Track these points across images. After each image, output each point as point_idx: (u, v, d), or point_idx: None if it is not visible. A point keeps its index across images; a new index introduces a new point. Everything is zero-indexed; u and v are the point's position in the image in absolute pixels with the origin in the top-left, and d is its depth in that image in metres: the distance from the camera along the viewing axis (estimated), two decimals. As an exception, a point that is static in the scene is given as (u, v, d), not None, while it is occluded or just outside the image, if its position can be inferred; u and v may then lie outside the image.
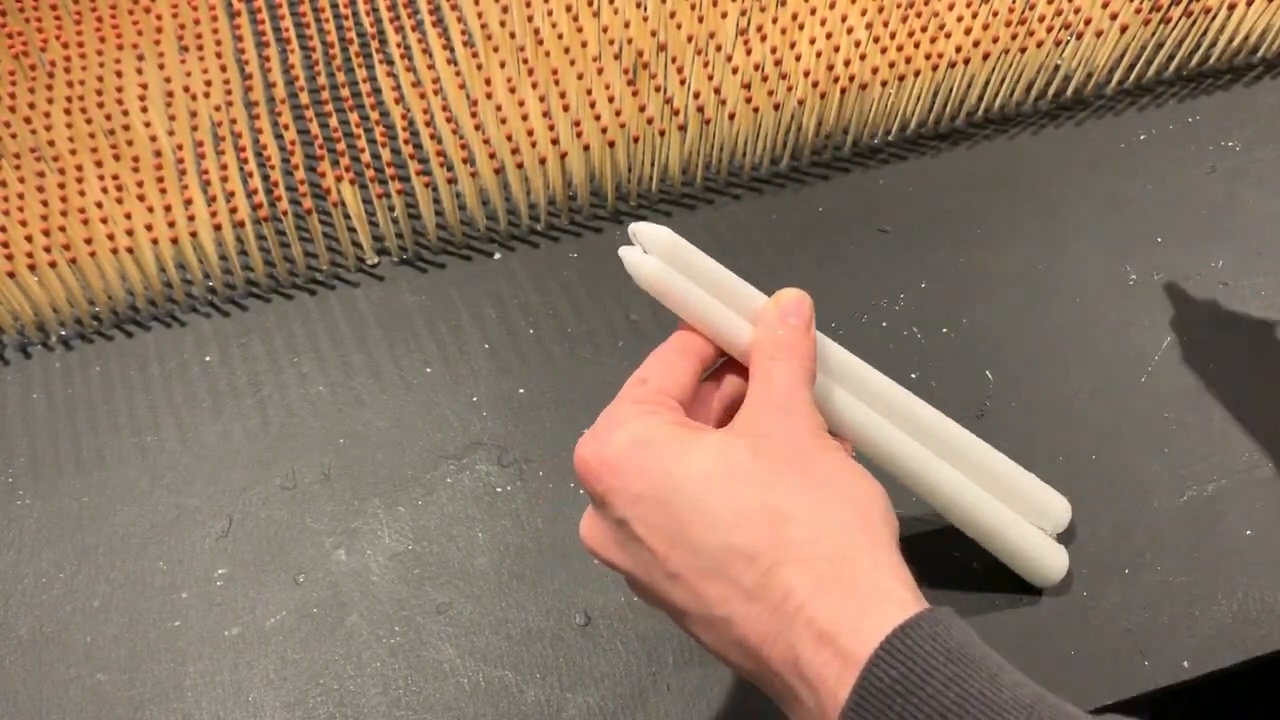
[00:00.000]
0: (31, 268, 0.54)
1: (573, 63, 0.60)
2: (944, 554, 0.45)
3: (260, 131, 0.61)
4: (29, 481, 0.51)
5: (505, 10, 0.63)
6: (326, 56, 0.66)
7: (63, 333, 0.56)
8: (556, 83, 0.60)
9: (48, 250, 0.54)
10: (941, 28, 0.62)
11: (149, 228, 0.54)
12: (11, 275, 0.53)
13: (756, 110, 0.59)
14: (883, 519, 0.34)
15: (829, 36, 0.61)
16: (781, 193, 0.61)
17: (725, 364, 0.39)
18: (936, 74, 0.61)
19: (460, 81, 0.62)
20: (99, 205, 0.56)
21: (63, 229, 0.55)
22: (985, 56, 0.61)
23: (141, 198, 0.56)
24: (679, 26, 0.61)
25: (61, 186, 0.57)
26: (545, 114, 0.59)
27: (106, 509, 0.50)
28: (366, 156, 0.58)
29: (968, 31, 0.61)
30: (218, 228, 0.56)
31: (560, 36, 0.62)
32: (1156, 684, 0.43)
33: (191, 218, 0.56)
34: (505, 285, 0.57)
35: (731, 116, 0.59)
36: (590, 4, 0.64)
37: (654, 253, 0.38)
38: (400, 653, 0.45)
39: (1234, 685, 0.45)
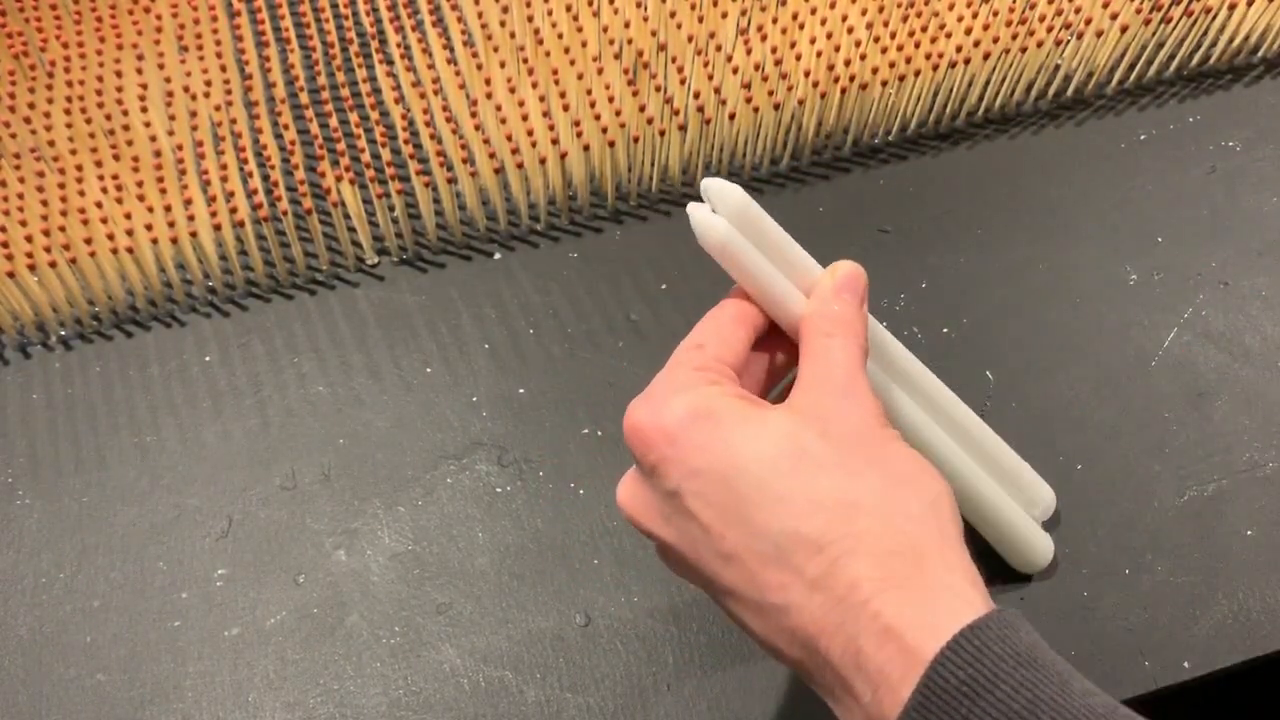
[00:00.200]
0: (31, 268, 0.54)
1: (573, 63, 0.60)
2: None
3: (260, 131, 0.61)
4: (29, 481, 0.51)
5: (505, 10, 0.63)
6: (326, 56, 0.66)
7: (63, 333, 0.56)
8: (556, 83, 0.60)
9: (48, 250, 0.54)
10: (941, 28, 0.62)
11: (149, 228, 0.54)
12: (11, 275, 0.53)
13: (756, 110, 0.59)
14: (952, 516, 0.33)
15: (829, 36, 0.61)
16: (781, 193, 0.61)
17: (771, 333, 0.38)
18: (936, 74, 0.60)
19: (460, 81, 0.62)
20: (99, 205, 0.56)
21: (63, 229, 0.55)
22: (985, 56, 0.61)
23: (141, 198, 0.56)
24: (679, 26, 0.61)
25: (61, 186, 0.57)
26: (545, 114, 0.59)
27: (106, 509, 0.50)
28: (366, 156, 0.58)
29: (968, 31, 0.61)
30: (218, 228, 0.56)
31: (560, 36, 0.62)
32: (1156, 684, 0.43)
33: (191, 218, 0.56)
34: (505, 285, 0.57)
35: (731, 116, 0.59)
36: (590, 4, 0.64)
37: (723, 211, 0.37)
38: (400, 653, 0.45)
39: (1234, 685, 0.45)
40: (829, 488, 0.32)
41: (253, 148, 0.61)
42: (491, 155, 0.58)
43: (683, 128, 0.58)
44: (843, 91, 0.59)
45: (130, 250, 0.54)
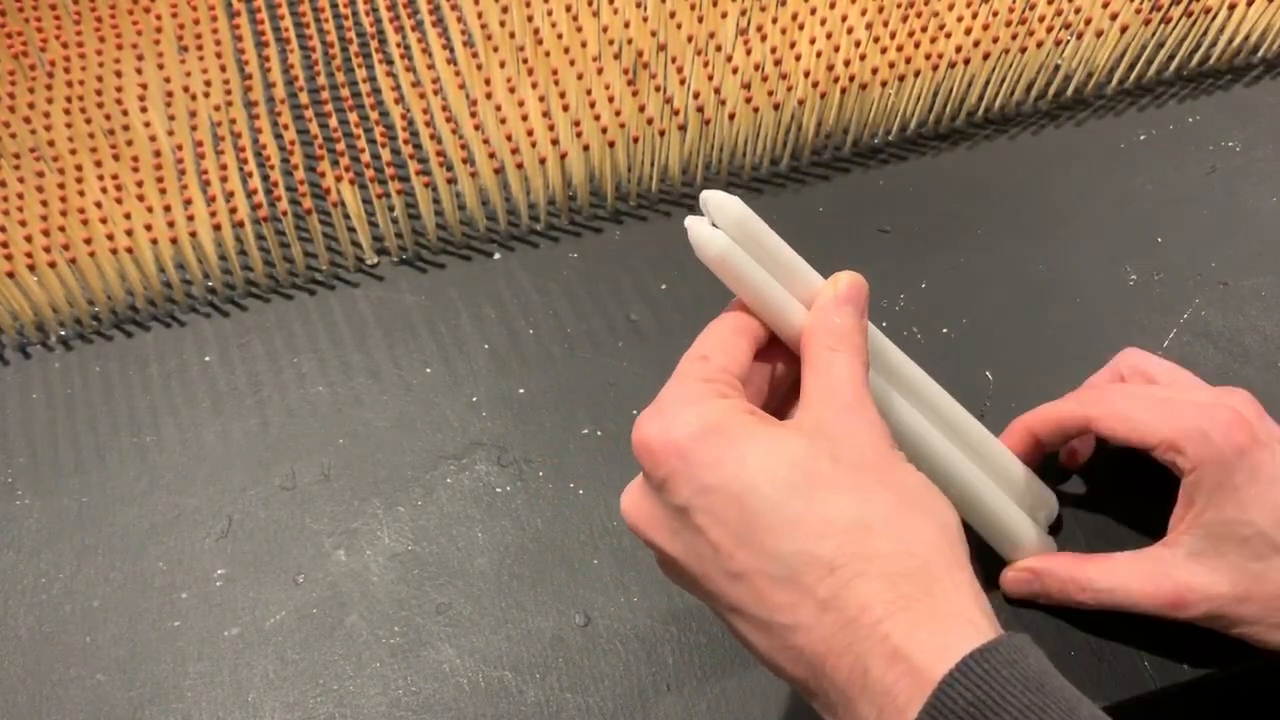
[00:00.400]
0: (31, 268, 0.54)
1: (573, 63, 0.60)
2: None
3: (260, 131, 0.61)
4: (29, 481, 0.51)
5: (505, 10, 0.63)
6: (326, 56, 0.66)
7: (62, 333, 0.56)
8: (556, 83, 0.60)
9: (47, 250, 0.54)
10: (941, 28, 0.62)
11: (149, 228, 0.54)
12: (11, 275, 0.53)
13: (756, 110, 0.59)
14: (960, 539, 0.33)
15: (829, 36, 0.61)
16: (781, 193, 0.61)
17: (771, 344, 0.38)
18: (936, 74, 0.61)
19: (460, 81, 0.62)
20: (99, 205, 0.56)
21: (62, 229, 0.55)
22: (985, 56, 0.61)
23: (141, 198, 0.56)
24: (679, 26, 0.61)
25: (61, 186, 0.57)
26: (545, 114, 0.59)
27: (106, 509, 0.50)
28: (366, 156, 0.58)
29: (968, 31, 0.61)
30: (217, 228, 0.56)
31: (560, 36, 0.62)
32: (1156, 684, 0.43)
33: (191, 218, 0.56)
34: (505, 285, 0.57)
35: (731, 116, 0.59)
36: (590, 4, 0.64)
37: (722, 224, 0.36)
38: (400, 653, 0.45)
39: (1234, 686, 0.45)
40: (842, 510, 0.32)
41: (252, 148, 0.61)
42: (491, 155, 0.58)
43: (682, 128, 0.58)
44: (843, 92, 0.59)
45: (130, 250, 0.54)
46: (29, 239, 0.54)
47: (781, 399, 0.39)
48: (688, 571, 0.34)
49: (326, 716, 0.43)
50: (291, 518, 0.49)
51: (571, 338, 0.55)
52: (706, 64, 0.60)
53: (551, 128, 0.57)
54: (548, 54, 0.61)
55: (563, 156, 0.57)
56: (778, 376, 0.38)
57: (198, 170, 0.58)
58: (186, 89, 0.61)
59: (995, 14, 0.62)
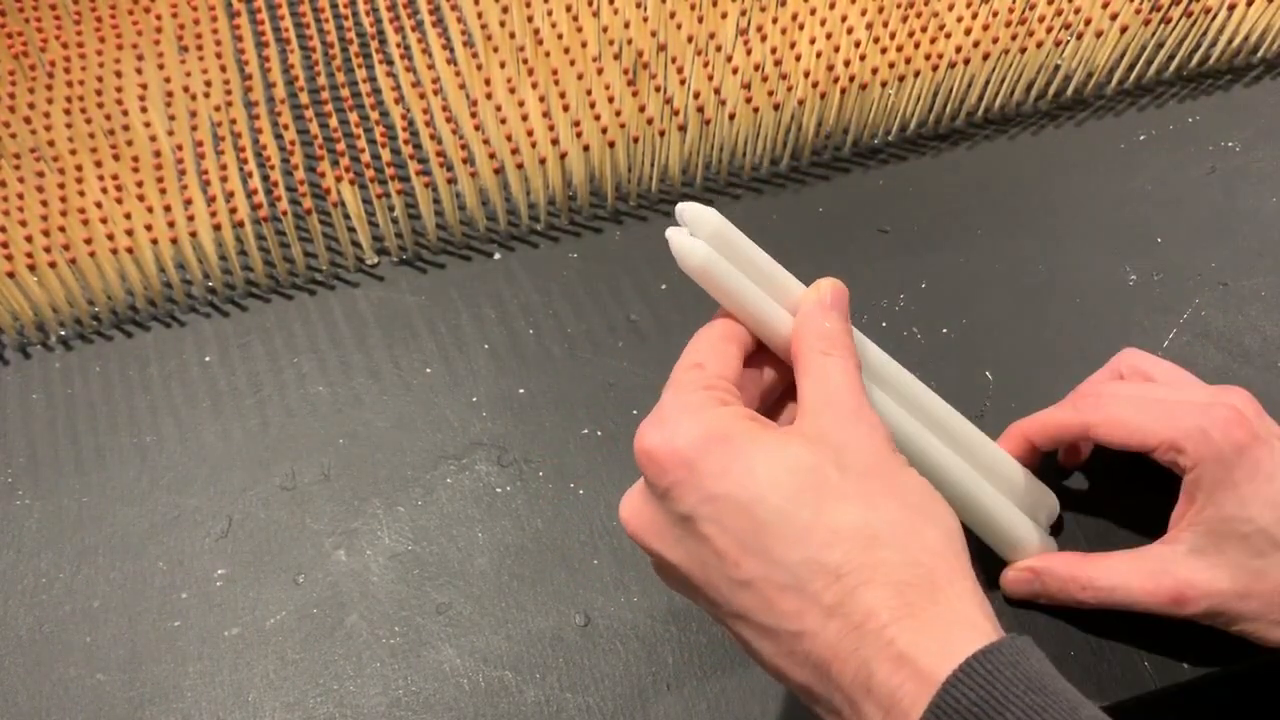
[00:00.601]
0: (31, 268, 0.54)
1: (573, 63, 0.60)
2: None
3: (260, 131, 0.61)
4: (29, 481, 0.51)
5: (505, 10, 0.63)
6: (326, 56, 0.66)
7: (62, 333, 0.56)
8: (556, 83, 0.60)
9: (47, 250, 0.54)
10: (941, 28, 0.62)
11: (149, 228, 0.54)
12: (11, 275, 0.53)
13: (756, 110, 0.59)
14: (963, 545, 0.33)
15: (829, 36, 0.61)
16: (781, 193, 0.61)
17: (758, 350, 0.38)
18: (936, 74, 0.61)
19: (460, 81, 0.62)
20: (99, 205, 0.56)
21: (62, 229, 0.55)
22: (985, 56, 0.61)
23: (141, 198, 0.56)
24: (679, 26, 0.61)
25: (61, 186, 0.57)
26: (545, 114, 0.59)
27: (106, 509, 0.50)
28: (366, 156, 0.58)
29: (968, 31, 0.61)
30: (217, 228, 0.56)
31: (560, 36, 0.62)
32: (1156, 684, 0.43)
33: (191, 218, 0.56)
34: (505, 285, 0.57)
35: (731, 116, 0.59)
36: (590, 4, 0.64)
37: (700, 235, 0.37)
38: (400, 653, 0.45)
39: (1234, 686, 0.45)
40: (849, 518, 0.32)
41: (252, 148, 0.61)
42: (491, 155, 0.58)
43: (682, 128, 0.58)
44: (842, 92, 0.59)
45: (130, 250, 0.54)
46: (29, 239, 0.54)
47: (772, 405, 0.39)
48: (690, 578, 0.34)
49: (326, 716, 0.43)
50: (291, 518, 0.49)
51: (571, 338, 0.55)
52: (706, 64, 0.60)
53: (551, 128, 0.57)
54: (548, 54, 0.61)
55: (563, 156, 0.57)
56: (767, 382, 0.38)
57: (198, 170, 0.58)
58: (186, 89, 0.61)
59: (995, 14, 0.62)
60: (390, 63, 0.65)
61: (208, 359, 0.55)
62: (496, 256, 0.58)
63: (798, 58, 0.60)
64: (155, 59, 0.63)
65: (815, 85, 0.59)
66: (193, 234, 0.55)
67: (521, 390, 0.53)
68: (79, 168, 0.57)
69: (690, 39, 0.61)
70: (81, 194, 0.57)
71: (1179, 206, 0.59)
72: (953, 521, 0.33)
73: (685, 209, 0.37)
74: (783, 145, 0.62)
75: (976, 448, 0.43)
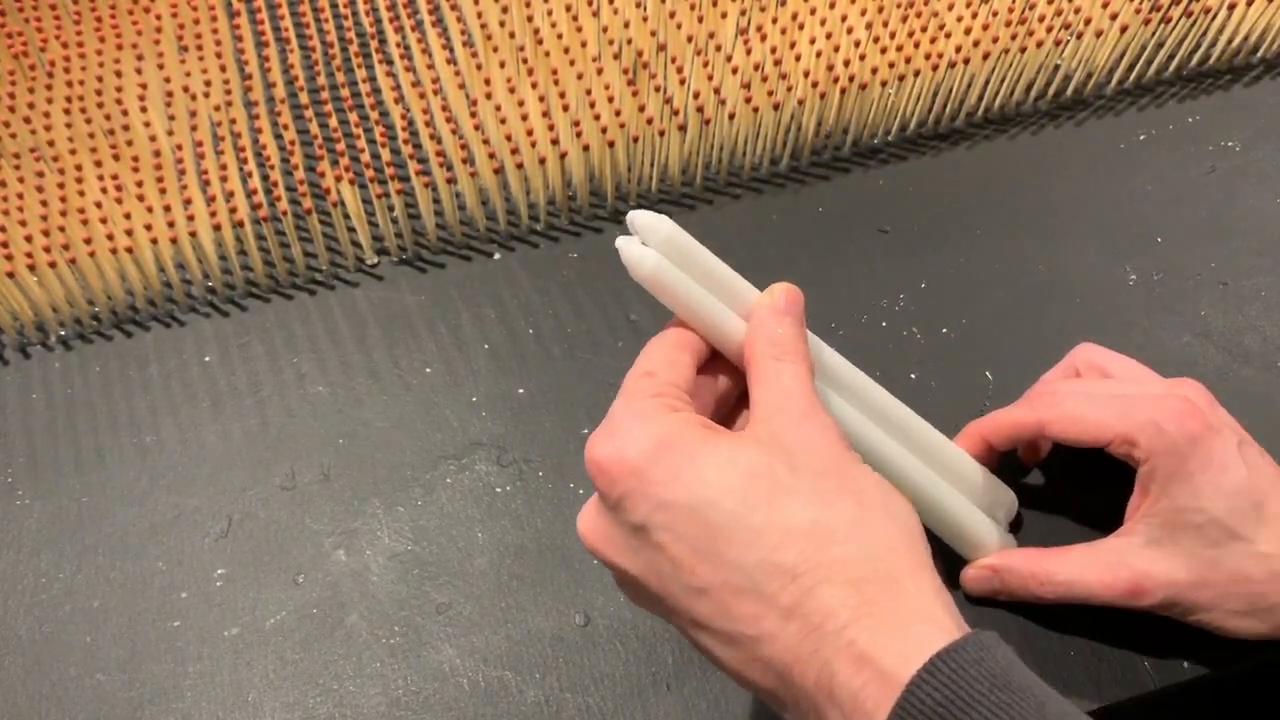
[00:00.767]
0: (31, 268, 0.54)
1: (572, 63, 0.60)
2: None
3: (260, 131, 0.61)
4: (29, 481, 0.51)
5: (505, 10, 0.63)
6: (326, 56, 0.66)
7: (62, 333, 0.56)
8: (556, 83, 0.60)
9: (47, 250, 0.54)
10: (941, 28, 0.62)
11: (149, 228, 0.55)
12: (11, 275, 0.53)
13: (756, 110, 0.59)
14: (921, 540, 0.33)
15: (829, 36, 0.61)
16: (781, 193, 0.61)
17: (712, 358, 0.38)
18: (936, 74, 0.61)
19: (460, 81, 0.62)
20: (99, 205, 0.56)
21: (62, 229, 0.55)
22: (985, 56, 0.61)
23: (141, 198, 0.56)
24: (679, 26, 0.61)
25: (61, 186, 0.57)
26: (545, 114, 0.59)
27: (106, 509, 0.50)
28: (366, 156, 0.58)
29: (968, 31, 0.61)
30: (217, 228, 0.56)
31: (560, 36, 0.62)
32: (1156, 684, 0.43)
33: (191, 218, 0.56)
34: (505, 285, 0.57)
35: (731, 116, 0.59)
36: (590, 4, 0.64)
37: (652, 243, 0.37)
38: (400, 653, 0.45)
39: (1234, 686, 0.45)
40: (802, 517, 0.32)
41: (252, 148, 0.61)
42: (491, 155, 0.58)
43: (682, 128, 0.58)
44: (842, 92, 0.59)
45: (130, 250, 0.54)
46: (29, 239, 0.54)
47: (727, 412, 0.39)
48: (649, 590, 0.34)
49: (326, 716, 0.43)
50: (291, 518, 0.49)
51: (571, 338, 0.55)
52: (706, 64, 0.60)
53: (551, 128, 0.57)
54: (548, 54, 0.61)
55: (563, 156, 0.57)
56: (721, 389, 0.38)
57: (198, 170, 0.58)
58: (186, 89, 0.61)
59: (995, 14, 0.62)
60: (390, 63, 0.65)
61: (208, 359, 0.55)
62: (496, 256, 0.58)
63: (798, 58, 0.60)
64: (155, 59, 0.63)
65: (815, 85, 0.59)
66: (193, 234, 0.55)
67: (521, 390, 0.53)
68: (79, 168, 0.57)
69: (690, 39, 0.61)
70: (81, 194, 0.57)
71: (1179, 206, 0.59)
72: (910, 517, 0.33)
73: (636, 217, 0.37)
74: (783, 145, 0.62)
75: (934, 448, 0.43)
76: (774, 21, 0.62)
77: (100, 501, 0.50)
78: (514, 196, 0.60)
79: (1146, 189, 0.60)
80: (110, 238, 0.54)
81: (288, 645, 0.45)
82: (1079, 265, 0.56)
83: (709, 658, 0.33)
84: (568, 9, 0.63)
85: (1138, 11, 0.62)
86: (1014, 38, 0.61)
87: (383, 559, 0.47)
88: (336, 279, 0.58)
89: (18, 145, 0.59)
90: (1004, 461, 0.46)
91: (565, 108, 0.57)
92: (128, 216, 0.55)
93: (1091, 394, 0.43)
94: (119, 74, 0.63)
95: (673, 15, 0.62)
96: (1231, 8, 0.64)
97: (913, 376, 0.52)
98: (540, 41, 0.62)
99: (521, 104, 0.59)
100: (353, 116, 0.60)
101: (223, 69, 0.62)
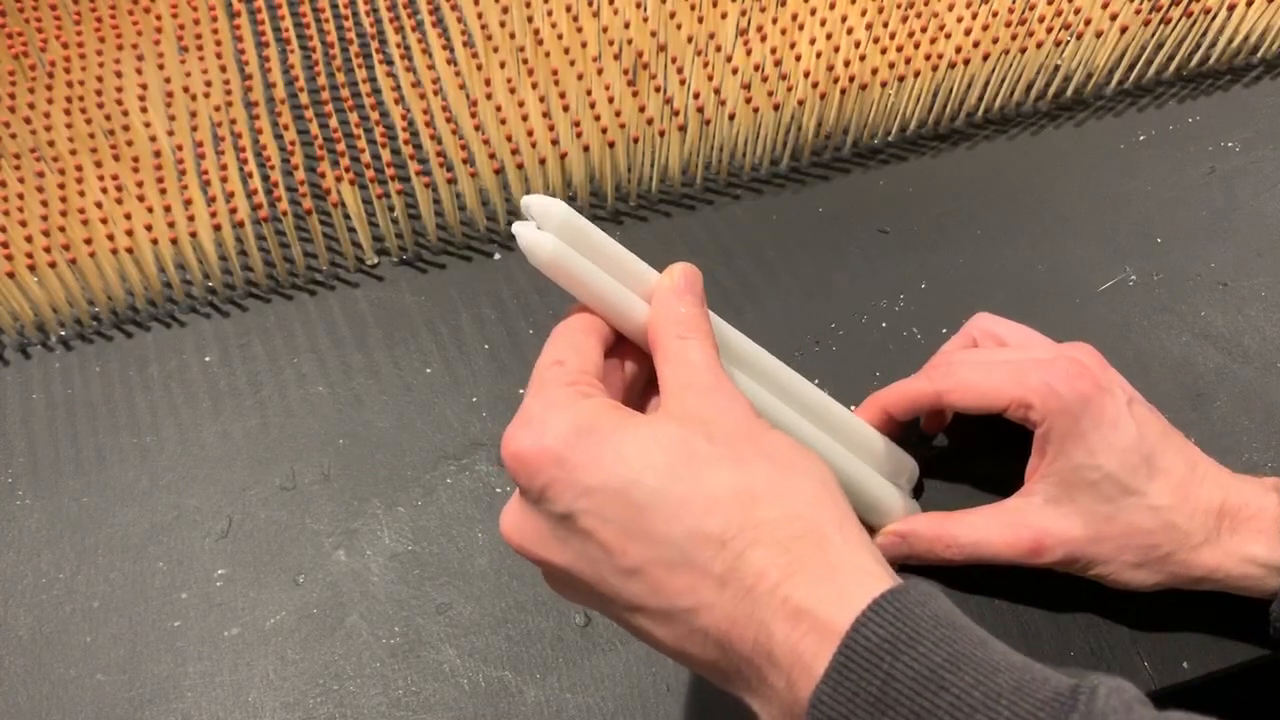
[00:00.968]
0: (31, 268, 0.54)
1: (573, 63, 0.60)
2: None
3: (260, 132, 0.61)
4: (29, 481, 0.51)
5: (505, 10, 0.63)
6: (326, 57, 0.66)
7: (62, 333, 0.56)
8: (556, 83, 0.60)
9: (47, 250, 0.54)
10: (941, 28, 0.62)
11: (149, 228, 0.55)
12: (11, 275, 0.53)
13: (756, 110, 0.59)
14: (841, 494, 0.33)
15: (829, 37, 0.61)
16: (781, 193, 0.61)
17: (618, 342, 0.38)
18: (936, 74, 0.61)
19: (460, 82, 0.62)
20: (99, 205, 0.56)
21: (62, 229, 0.55)
22: (985, 57, 0.61)
23: (141, 198, 0.56)
24: (679, 27, 0.61)
25: (61, 186, 0.57)
26: (545, 114, 0.59)
27: (106, 509, 0.50)
28: (366, 157, 0.58)
29: (968, 32, 0.61)
30: (217, 228, 0.56)
31: (560, 37, 0.62)
32: (1157, 684, 0.43)
33: (191, 218, 0.56)
34: (505, 285, 0.57)
35: (731, 117, 0.59)
36: (590, 4, 0.64)
37: (548, 228, 0.37)
38: (400, 653, 0.45)
39: (1234, 686, 0.45)
40: (725, 484, 0.32)
41: (253, 148, 0.61)
42: (491, 155, 0.58)
43: (682, 128, 0.58)
44: (842, 92, 0.59)
45: (130, 250, 0.54)
46: (29, 239, 0.54)
47: (638, 395, 0.39)
48: (581, 580, 0.33)
49: (326, 716, 0.43)
50: (291, 518, 0.49)
51: (571, 338, 0.55)
52: (706, 64, 0.60)
53: (551, 128, 0.57)
54: (548, 54, 0.61)
55: (563, 156, 0.57)
56: (630, 373, 0.38)
57: (198, 170, 0.58)
58: (186, 89, 0.61)
59: (995, 14, 0.62)
60: (390, 63, 0.65)
61: (208, 359, 0.55)
62: (496, 256, 0.58)
63: (798, 58, 0.60)
64: (155, 59, 0.63)
65: (815, 85, 0.59)
66: (193, 234, 0.55)
67: (521, 390, 0.53)
68: (79, 168, 0.57)
69: (690, 39, 0.61)
70: (81, 194, 0.57)
71: (1179, 206, 0.59)
72: (827, 473, 0.33)
73: (531, 201, 0.37)
74: (783, 145, 0.62)
75: (836, 420, 0.43)
76: (774, 22, 0.62)
77: (100, 501, 0.50)
78: (514, 196, 0.60)
79: (1146, 189, 0.60)
80: (110, 238, 0.54)
81: (288, 645, 0.45)
82: (1079, 265, 0.56)
83: (648, 641, 0.33)
84: (568, 9, 0.63)
85: (1138, 12, 0.62)
86: (1014, 38, 0.61)
87: (383, 559, 0.47)
88: (336, 279, 0.58)
89: (18, 145, 0.59)
90: (908, 430, 0.47)
91: (565, 108, 0.57)
92: (128, 217, 0.55)
93: (986, 362, 0.44)
94: (119, 74, 0.63)
95: (673, 16, 0.62)
96: (1231, 8, 0.64)
97: (913, 376, 0.52)
98: (540, 42, 0.62)
99: (522, 104, 0.59)
100: (353, 117, 0.60)
101: (223, 69, 0.62)
